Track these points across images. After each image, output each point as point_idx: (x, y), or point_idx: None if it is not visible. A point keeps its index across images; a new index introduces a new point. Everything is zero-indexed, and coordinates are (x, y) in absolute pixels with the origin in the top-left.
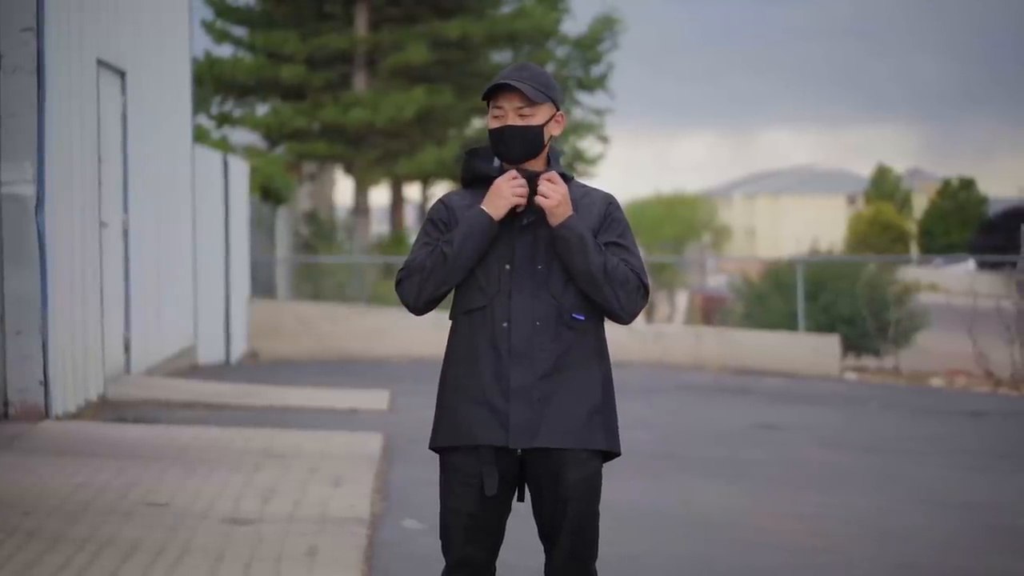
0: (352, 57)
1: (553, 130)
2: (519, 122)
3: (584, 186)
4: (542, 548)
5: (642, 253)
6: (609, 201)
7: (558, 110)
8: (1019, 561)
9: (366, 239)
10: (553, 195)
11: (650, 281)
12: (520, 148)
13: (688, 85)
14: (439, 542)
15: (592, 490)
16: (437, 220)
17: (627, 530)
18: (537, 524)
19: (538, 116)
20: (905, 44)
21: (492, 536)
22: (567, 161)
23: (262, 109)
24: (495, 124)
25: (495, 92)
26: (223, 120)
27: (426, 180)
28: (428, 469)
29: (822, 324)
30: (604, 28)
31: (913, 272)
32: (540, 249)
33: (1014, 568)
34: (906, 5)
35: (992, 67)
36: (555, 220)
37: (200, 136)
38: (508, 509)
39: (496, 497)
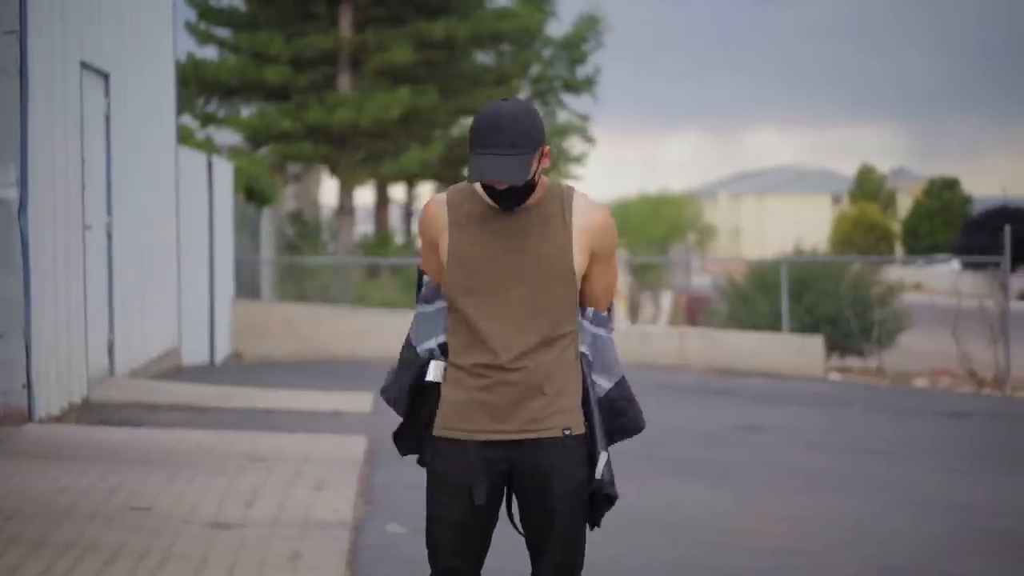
0: (337, 58)
1: (542, 165)
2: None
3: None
4: (526, 551)
5: (627, 254)
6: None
7: (543, 145)
8: (1003, 563)
9: (351, 240)
10: None
11: (634, 280)
12: (516, 201)
13: (674, 84)
14: (423, 547)
15: (579, 503)
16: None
17: (610, 533)
18: (525, 535)
19: (528, 170)
20: (891, 43)
21: (479, 546)
22: (552, 161)
23: (246, 110)
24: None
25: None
26: (207, 120)
27: (411, 180)
28: (412, 472)
29: (806, 324)
30: (588, 27)
31: (897, 272)
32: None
33: (998, 570)
34: (893, 4)
35: (977, 65)
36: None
37: (184, 137)
38: (496, 519)
39: (483, 507)
